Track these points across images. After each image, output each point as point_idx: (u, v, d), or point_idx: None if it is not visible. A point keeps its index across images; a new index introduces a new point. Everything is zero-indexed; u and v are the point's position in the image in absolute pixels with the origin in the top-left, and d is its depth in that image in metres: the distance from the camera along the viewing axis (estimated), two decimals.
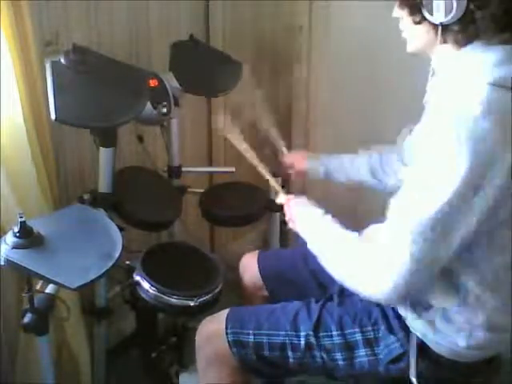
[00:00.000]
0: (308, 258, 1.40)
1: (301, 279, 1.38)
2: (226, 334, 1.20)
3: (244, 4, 2.10)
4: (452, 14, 0.93)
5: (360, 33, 2.00)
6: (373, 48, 1.97)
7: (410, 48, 1.07)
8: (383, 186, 1.43)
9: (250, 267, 1.46)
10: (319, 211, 1.17)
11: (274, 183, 1.39)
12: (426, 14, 0.97)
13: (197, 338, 1.27)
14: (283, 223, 1.67)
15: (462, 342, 1.05)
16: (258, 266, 1.44)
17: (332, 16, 2.11)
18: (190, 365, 1.59)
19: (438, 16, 0.95)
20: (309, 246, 1.14)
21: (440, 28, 0.97)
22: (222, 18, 2.05)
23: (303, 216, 1.21)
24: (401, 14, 1.04)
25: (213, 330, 1.24)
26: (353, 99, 2.16)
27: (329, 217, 1.15)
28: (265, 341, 1.18)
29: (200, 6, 2.01)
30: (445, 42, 0.99)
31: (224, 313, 1.25)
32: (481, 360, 1.09)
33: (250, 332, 1.19)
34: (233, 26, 2.09)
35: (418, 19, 1.00)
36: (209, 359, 1.23)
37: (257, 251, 1.49)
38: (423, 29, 1.00)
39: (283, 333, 1.18)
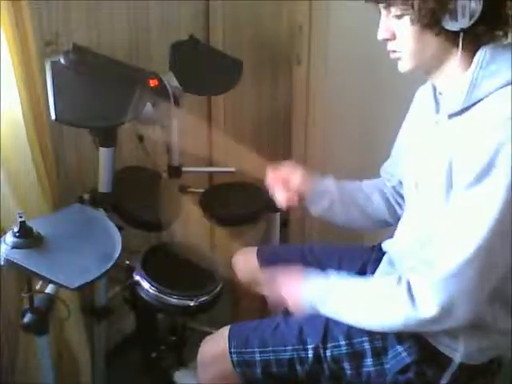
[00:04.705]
0: (306, 255, 1.41)
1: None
2: (230, 353, 1.16)
3: (244, 4, 2.10)
4: (476, 16, 0.92)
5: (360, 33, 1.99)
6: (372, 48, 1.96)
7: (410, 65, 1.03)
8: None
9: (247, 262, 1.44)
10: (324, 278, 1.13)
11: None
12: (448, 23, 0.94)
13: (198, 358, 1.24)
14: (283, 225, 1.56)
15: (475, 345, 1.06)
16: (258, 261, 1.42)
17: (332, 16, 2.11)
18: (188, 364, 1.59)
19: (464, 21, 0.93)
20: (349, 316, 1.09)
21: (462, 34, 0.95)
22: (221, 17, 2.05)
23: (319, 292, 1.13)
24: (402, 31, 1.00)
25: (215, 351, 1.20)
26: (353, 99, 2.16)
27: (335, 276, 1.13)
28: (272, 358, 1.15)
29: (200, 6, 2.01)
30: (462, 49, 0.97)
31: (225, 331, 1.21)
32: (485, 361, 1.09)
33: (256, 350, 1.15)
34: (233, 26, 2.09)
35: (437, 30, 0.96)
36: (212, 380, 1.21)
37: (254, 247, 1.47)
38: (437, 41, 0.98)
39: (290, 348, 1.14)
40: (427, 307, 0.98)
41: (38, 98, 1.34)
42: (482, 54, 0.97)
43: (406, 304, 1.00)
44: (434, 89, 1.11)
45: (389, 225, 1.36)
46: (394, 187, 1.35)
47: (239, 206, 1.79)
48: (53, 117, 1.18)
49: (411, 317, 1.00)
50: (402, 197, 1.33)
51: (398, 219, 1.29)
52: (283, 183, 1.29)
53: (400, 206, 1.34)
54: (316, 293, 1.12)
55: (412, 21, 0.98)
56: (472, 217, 0.94)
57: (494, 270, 0.96)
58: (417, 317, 0.99)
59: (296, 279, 1.15)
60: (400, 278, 1.03)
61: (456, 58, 0.99)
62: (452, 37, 0.97)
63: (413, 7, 0.96)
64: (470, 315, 0.98)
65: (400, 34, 1.02)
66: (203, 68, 1.74)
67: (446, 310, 0.96)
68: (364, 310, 1.08)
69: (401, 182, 1.32)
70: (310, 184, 1.30)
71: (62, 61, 1.26)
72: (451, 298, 0.96)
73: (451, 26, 0.95)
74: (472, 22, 0.93)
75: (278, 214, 1.87)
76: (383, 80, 2.00)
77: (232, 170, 1.85)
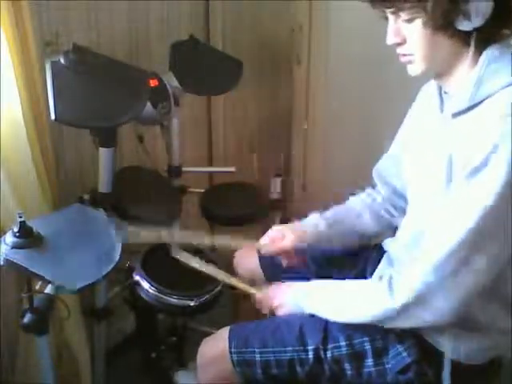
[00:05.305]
0: (306, 254, 1.40)
1: (300, 271, 1.37)
2: (230, 353, 1.16)
3: (244, 4, 2.10)
4: (488, 15, 0.91)
5: (360, 33, 1.99)
6: (373, 48, 1.97)
7: (422, 68, 1.02)
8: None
9: (248, 259, 1.44)
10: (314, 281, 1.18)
11: (245, 287, 1.31)
12: (462, 23, 0.93)
13: (198, 359, 1.23)
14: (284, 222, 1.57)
15: (476, 345, 1.06)
16: (259, 259, 1.42)
17: (332, 16, 2.11)
18: (188, 364, 1.59)
19: (477, 20, 0.92)
20: (335, 315, 1.12)
21: (475, 34, 0.95)
22: (221, 17, 2.05)
23: (313, 291, 1.17)
24: (414, 35, 0.99)
25: (215, 351, 1.20)
26: (353, 99, 2.15)
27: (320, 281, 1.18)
28: (272, 358, 1.15)
29: (200, 5, 2.01)
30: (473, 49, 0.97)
31: (225, 331, 1.21)
32: (485, 361, 1.09)
33: (256, 350, 1.15)
34: (233, 26, 2.09)
35: (450, 32, 0.95)
36: (212, 380, 1.20)
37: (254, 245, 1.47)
38: (450, 42, 0.97)
39: (290, 348, 1.14)
40: (402, 294, 0.99)
41: (38, 98, 1.34)
42: (489, 53, 0.97)
43: (385, 294, 1.02)
44: (440, 87, 1.10)
45: (380, 234, 1.37)
46: (388, 198, 1.34)
47: (239, 206, 1.79)
48: (53, 117, 1.18)
49: (390, 306, 1.01)
50: (395, 207, 1.34)
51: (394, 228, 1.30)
52: (277, 249, 1.33)
53: (395, 216, 1.34)
54: (300, 293, 1.17)
55: (424, 24, 0.96)
56: (457, 213, 0.94)
57: (475, 268, 0.94)
58: (394, 305, 1.00)
59: (283, 286, 1.21)
60: (382, 276, 1.06)
61: (467, 59, 0.99)
62: (463, 37, 0.96)
63: (425, 10, 0.94)
64: (451, 311, 0.97)
65: (411, 38, 1.00)
66: (203, 68, 1.74)
67: (421, 299, 0.97)
68: (346, 304, 1.11)
69: (395, 187, 1.32)
70: (301, 239, 1.32)
71: (62, 61, 1.26)
72: (428, 289, 0.96)
73: (465, 26, 0.93)
74: (485, 20, 0.92)
75: (278, 214, 1.87)
76: (383, 80, 2.00)
77: (232, 169, 1.85)
